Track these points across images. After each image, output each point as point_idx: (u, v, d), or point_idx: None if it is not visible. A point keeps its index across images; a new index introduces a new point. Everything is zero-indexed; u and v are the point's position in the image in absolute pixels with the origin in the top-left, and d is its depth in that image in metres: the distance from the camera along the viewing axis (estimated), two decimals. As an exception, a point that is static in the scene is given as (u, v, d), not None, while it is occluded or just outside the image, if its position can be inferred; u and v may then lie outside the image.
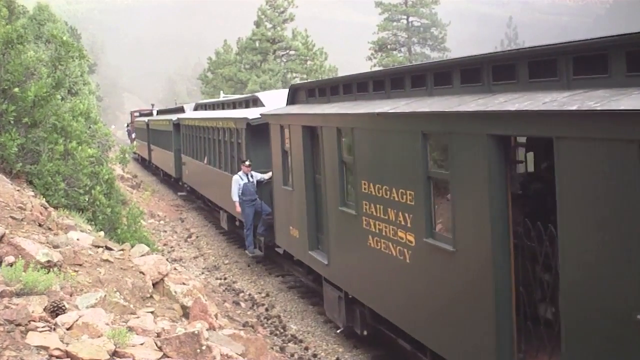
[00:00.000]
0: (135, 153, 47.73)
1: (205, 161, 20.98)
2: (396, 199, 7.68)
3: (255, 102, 17.33)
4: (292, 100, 12.66)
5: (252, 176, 15.06)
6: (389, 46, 55.62)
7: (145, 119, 42.32)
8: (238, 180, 15.07)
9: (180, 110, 30.72)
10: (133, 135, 51.25)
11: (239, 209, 15.16)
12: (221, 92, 33.69)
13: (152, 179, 38.70)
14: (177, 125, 27.83)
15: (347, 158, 9.37)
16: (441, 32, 55.43)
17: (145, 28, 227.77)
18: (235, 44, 54.68)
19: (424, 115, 6.95)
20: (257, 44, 52.01)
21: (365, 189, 8.57)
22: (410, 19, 55.53)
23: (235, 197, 15.12)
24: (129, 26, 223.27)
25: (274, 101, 15.38)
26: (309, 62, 50.52)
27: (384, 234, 8.12)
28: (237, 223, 17.34)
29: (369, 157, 8.54)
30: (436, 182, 7.09)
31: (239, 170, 15.63)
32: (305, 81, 13.77)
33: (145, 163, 44.86)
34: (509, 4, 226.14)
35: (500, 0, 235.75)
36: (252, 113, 15.26)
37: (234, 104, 20.10)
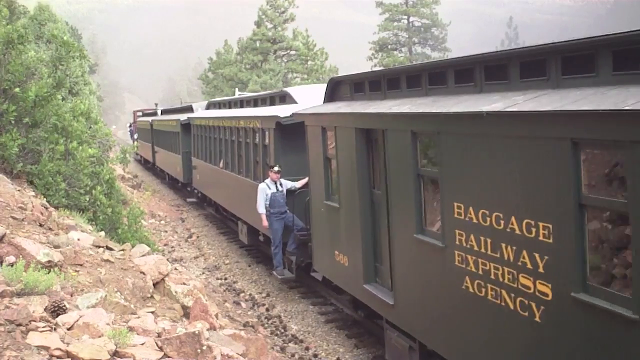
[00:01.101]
0: (137, 154, 46.81)
1: (221, 165, 18.88)
2: (517, 231, 5.63)
3: (284, 98, 15.02)
4: (331, 96, 10.73)
5: (281, 185, 12.89)
6: (389, 46, 55.65)
7: (149, 119, 40.25)
8: (265, 190, 12.92)
9: (189, 109, 28.43)
10: (135, 136, 49.72)
11: (265, 223, 12.99)
12: (236, 89, 31.10)
13: (157, 181, 36.86)
14: (186, 125, 25.55)
15: (428, 171, 7.26)
16: (442, 32, 55.45)
17: (145, 28, 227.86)
18: (235, 44, 54.72)
19: (578, 116, 4.76)
20: (257, 44, 52.05)
21: (459, 213, 6.46)
22: (411, 19, 55.56)
23: (261, 209, 12.96)
24: (129, 26, 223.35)
25: (309, 97, 13.19)
26: (309, 62, 50.56)
27: (492, 277, 6.05)
28: (262, 238, 15.16)
29: (467, 172, 6.36)
30: (596, 213, 4.97)
31: (265, 177, 13.55)
32: (351, 74, 10.63)
33: (147, 165, 43.29)
34: (509, 4, 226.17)
35: (501, 0, 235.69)
36: (283, 111, 13.05)
37: (255, 101, 17.87)
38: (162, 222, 23.30)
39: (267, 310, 12.78)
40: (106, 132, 14.19)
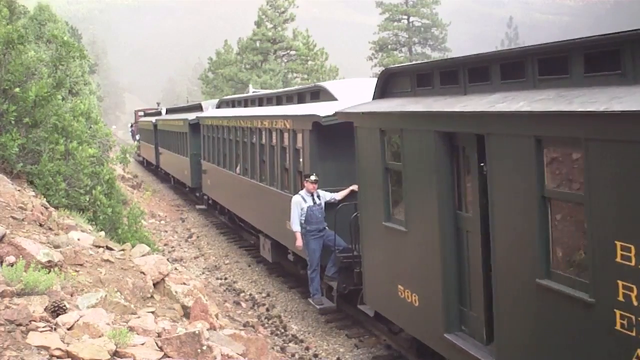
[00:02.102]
0: (139, 156, 45.87)
1: (238, 171, 16.96)
2: None
3: (317, 94, 12.80)
4: (384, 90, 8.78)
5: (318, 197, 11.06)
6: (389, 46, 55.68)
7: (152, 119, 37.92)
8: (300, 203, 11.05)
9: (197, 108, 26.25)
10: (137, 137, 47.95)
11: (300, 242, 11.12)
12: (250, 85, 28.84)
13: (162, 185, 34.80)
14: (194, 125, 23.41)
15: (565, 194, 5.33)
16: (442, 32, 55.48)
17: (146, 28, 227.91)
18: (236, 44, 54.74)
19: None
20: (257, 44, 52.07)
21: (625, 257, 4.56)
22: (411, 19, 55.59)
23: (295, 227, 11.09)
24: (129, 26, 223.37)
25: (351, 93, 11.19)
26: (309, 62, 50.59)
27: None
28: (291, 257, 12.87)
29: None
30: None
31: (296, 186, 11.97)
32: (414, 62, 9.63)
33: (150, 167, 41.83)
34: (509, 4, 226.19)
35: (501, 0, 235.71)
36: (322, 109, 11.13)
37: (278, 98, 15.46)
38: (162, 222, 23.30)
39: (267, 310, 12.78)
40: (106, 132, 14.19)
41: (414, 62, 8.76)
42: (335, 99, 11.56)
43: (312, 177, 11.01)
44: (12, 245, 5.96)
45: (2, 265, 5.60)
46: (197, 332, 5.11)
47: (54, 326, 4.65)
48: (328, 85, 12.66)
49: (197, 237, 20.71)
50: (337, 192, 11.14)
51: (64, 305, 5.03)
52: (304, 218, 11.03)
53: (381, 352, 10.09)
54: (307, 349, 10.55)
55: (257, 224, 15.31)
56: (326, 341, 10.94)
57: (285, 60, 52.81)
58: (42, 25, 22.62)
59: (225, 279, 15.45)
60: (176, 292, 7.07)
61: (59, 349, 4.33)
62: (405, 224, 7.83)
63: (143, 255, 7.61)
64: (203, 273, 15.85)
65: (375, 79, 9.28)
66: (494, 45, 63.89)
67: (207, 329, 5.86)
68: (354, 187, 10.33)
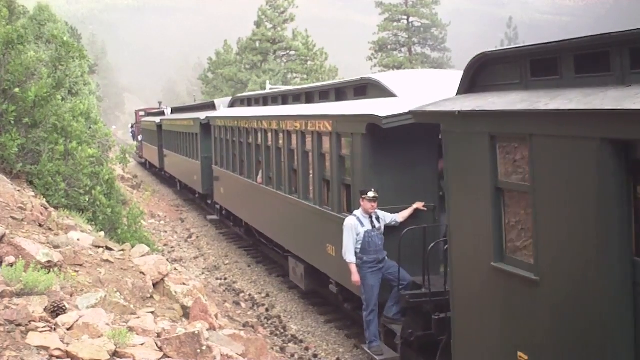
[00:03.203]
0: (141, 157, 44.74)
1: (260, 180, 14.71)
2: None
3: (364, 90, 10.46)
4: (474, 82, 6.63)
5: (378, 219, 8.91)
6: (389, 46, 55.68)
7: (156, 118, 35.32)
8: (356, 227, 8.84)
9: (209, 107, 23.57)
10: (140, 138, 44.99)
11: (357, 277, 8.83)
12: (267, 82, 26.18)
13: (168, 190, 32.78)
14: (207, 126, 20.72)
15: None
16: (441, 33, 55.48)
17: (145, 28, 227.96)
18: (235, 44, 54.77)
19: None
20: (257, 44, 52.09)
21: None
22: (411, 19, 55.58)
23: (351, 257, 8.85)
24: (129, 26, 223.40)
25: (414, 87, 9.39)
26: (309, 63, 50.60)
27: None
28: (334, 288, 10.63)
29: None
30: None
31: (344, 203, 10.05)
32: (522, 45, 5.95)
33: (153, 170, 40.27)
34: (509, 4, 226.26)
35: (500, 0, 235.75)
36: (377, 107, 8.94)
37: (308, 96, 13.09)
38: (162, 222, 23.31)
39: (267, 310, 12.78)
40: (106, 133, 14.18)
41: (524, 45, 5.96)
42: (393, 95, 9.34)
43: (371, 194, 8.75)
44: (12, 246, 5.96)
45: (1, 265, 5.60)
46: (196, 332, 5.12)
47: (53, 326, 4.65)
48: (382, 78, 10.17)
49: (197, 237, 20.71)
50: (395, 211, 9.06)
51: (64, 306, 5.03)
52: (359, 246, 8.80)
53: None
54: (307, 349, 10.56)
55: (286, 243, 13.09)
56: (326, 341, 10.94)
57: (285, 61, 52.82)
58: (41, 25, 22.61)
59: (225, 279, 15.45)
60: (176, 292, 7.07)
61: (59, 349, 4.33)
62: (535, 269, 5.46)
63: (143, 256, 7.61)
64: (203, 273, 15.85)
65: (438, 71, 8.84)
66: (493, 45, 63.92)
67: (207, 329, 5.86)
68: (418, 205, 8.95)
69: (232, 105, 19.78)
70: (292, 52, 52.24)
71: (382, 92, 9.75)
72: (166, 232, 21.46)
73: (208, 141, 20.73)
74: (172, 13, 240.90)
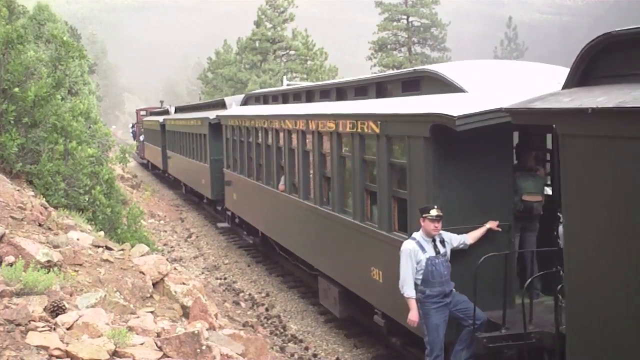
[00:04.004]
0: (143, 158, 43.99)
1: (282, 187, 13.11)
2: None
3: (416, 84, 8.74)
4: (587, 73, 5.50)
5: (443, 242, 7.33)
6: (389, 46, 55.62)
7: (159, 118, 34.08)
8: (415, 253, 7.26)
9: (218, 105, 21.74)
10: (141, 138, 43.73)
11: (416, 315, 7.25)
12: (284, 77, 23.88)
13: (172, 193, 32.02)
14: (216, 125, 19.37)
15: None
16: (441, 32, 55.45)
17: (145, 28, 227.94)
18: (235, 43, 54.76)
19: None
20: (257, 44, 52.07)
21: None
22: (411, 19, 55.52)
23: (410, 290, 7.25)
24: (129, 26, 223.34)
25: (487, 81, 7.88)
26: (309, 62, 50.58)
27: None
28: (380, 320, 8.87)
29: None
30: None
31: (396, 220, 8.44)
32: None
33: (155, 171, 39.48)
34: (508, 3, 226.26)
35: (500, 0, 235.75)
36: (446, 105, 7.29)
37: (340, 92, 11.29)
38: (162, 222, 23.31)
39: (267, 310, 12.78)
40: (106, 132, 14.18)
41: None
42: (461, 90, 7.69)
43: (434, 212, 7.13)
44: (12, 245, 5.95)
45: (1, 265, 5.60)
46: (196, 332, 5.11)
47: (53, 326, 4.65)
48: (443, 70, 8.31)
49: (197, 237, 20.71)
50: (468, 233, 7.49)
51: (63, 305, 5.03)
52: (420, 277, 7.20)
53: (380, 351, 10.09)
54: (307, 348, 10.56)
55: (316, 261, 11.48)
56: (325, 341, 10.94)
57: (285, 60, 52.79)
58: (41, 25, 22.62)
59: (225, 278, 15.45)
60: (175, 292, 7.07)
61: (59, 348, 4.33)
62: None
63: (142, 255, 7.61)
64: (202, 273, 15.85)
65: (498, 61, 7.70)
66: (493, 45, 63.92)
67: (207, 329, 5.86)
68: (492, 224, 7.43)
69: (245, 103, 18.01)
70: (292, 52, 52.22)
71: (445, 86, 7.93)
72: (166, 231, 21.46)
73: (218, 142, 19.39)
74: (172, 13, 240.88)
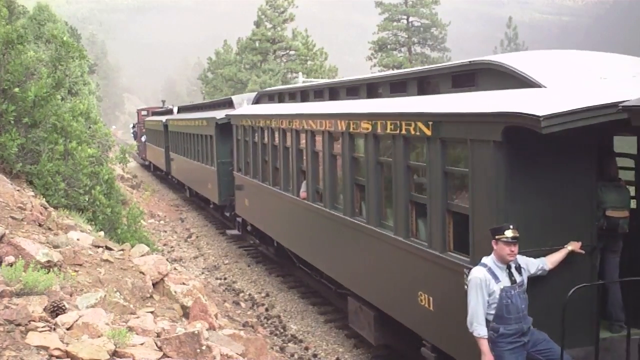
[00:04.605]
0: (145, 160, 43.07)
1: (304, 194, 11.77)
2: None
3: (471, 78, 7.44)
4: None
5: (519, 268, 6.06)
6: (389, 46, 55.64)
7: (162, 118, 32.68)
8: (487, 284, 5.96)
9: (225, 104, 20.74)
10: (143, 139, 42.34)
11: (490, 358, 5.94)
12: (300, 74, 22.55)
13: (173, 195, 30.91)
14: (224, 126, 18.29)
15: None
16: (441, 32, 55.46)
17: (145, 28, 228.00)
18: (235, 44, 54.79)
19: None
20: (257, 44, 52.10)
21: None
22: (410, 19, 55.54)
23: (480, 329, 5.95)
24: (129, 26, 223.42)
25: (566, 74, 6.58)
26: (309, 62, 50.59)
27: None
28: (429, 354, 7.62)
29: None
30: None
31: (450, 239, 7.14)
32: None
33: (157, 173, 38.29)
34: (509, 4, 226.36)
35: (500, 0, 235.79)
36: (523, 103, 5.98)
37: (371, 88, 9.96)
38: (162, 222, 23.31)
39: (267, 310, 12.78)
40: (105, 132, 14.20)
41: None
42: (537, 85, 6.31)
43: (510, 233, 5.86)
44: (12, 245, 5.96)
45: (1, 265, 5.60)
46: (196, 332, 5.11)
47: (53, 326, 4.65)
48: (509, 61, 6.83)
49: (197, 237, 20.71)
50: (535, 255, 6.22)
51: (63, 305, 5.03)
52: (493, 312, 5.92)
53: (380, 351, 10.09)
54: (307, 348, 10.56)
55: (345, 280, 10.18)
56: (325, 341, 10.94)
57: (285, 60, 52.82)
58: (41, 25, 22.63)
59: (225, 279, 15.45)
60: (175, 292, 7.07)
61: (58, 348, 4.33)
62: None
63: (142, 255, 7.61)
64: (202, 273, 15.85)
65: (577, 52, 6.87)
66: (493, 45, 63.89)
67: (207, 329, 5.86)
68: (574, 246, 6.24)
69: (257, 101, 16.50)
70: (292, 52, 52.25)
71: (513, 80, 6.58)
72: (166, 231, 21.46)
73: (226, 144, 18.35)
74: (172, 13, 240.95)
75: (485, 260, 6.03)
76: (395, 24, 55.53)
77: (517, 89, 6.47)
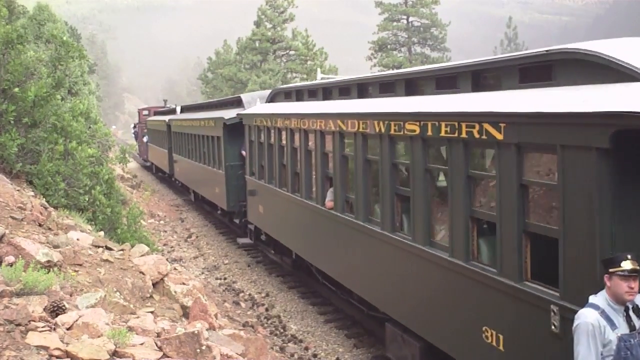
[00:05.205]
0: (146, 161, 42.37)
1: (330, 204, 10.58)
2: None
3: (547, 72, 6.00)
4: None
5: (637, 310, 4.66)
6: (389, 46, 55.65)
7: (165, 118, 31.57)
8: (601, 331, 4.54)
9: (232, 104, 19.54)
10: (145, 139, 41.40)
11: None
12: (318, 69, 20.99)
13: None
14: (233, 127, 17.24)
15: None
16: (441, 32, 55.47)
17: (145, 28, 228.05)
18: (235, 44, 54.82)
19: None
20: (257, 44, 52.13)
21: None
22: (410, 19, 55.55)
23: None
24: (129, 26, 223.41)
25: None
26: (309, 62, 50.61)
27: None
28: None
29: None
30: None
31: (526, 265, 5.92)
32: None
33: (159, 174, 37.46)
34: (508, 4, 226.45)
35: (500, 0, 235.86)
36: (634, 101, 4.63)
37: (409, 84, 8.60)
38: (162, 222, 23.31)
39: (267, 310, 12.78)
40: (105, 132, 14.20)
41: None
42: None
43: (628, 265, 4.61)
44: (12, 245, 5.96)
45: (1, 265, 5.60)
46: (196, 332, 5.11)
47: (53, 326, 4.65)
48: (606, 50, 5.37)
49: (197, 237, 20.71)
50: None
51: (63, 305, 5.03)
52: None
53: (381, 351, 10.09)
54: (307, 348, 10.56)
55: (384, 304, 8.94)
56: (325, 341, 10.94)
57: (285, 60, 52.83)
58: (41, 25, 22.63)
59: (225, 279, 15.45)
60: (175, 292, 7.07)
61: (58, 348, 4.33)
62: None
63: (142, 255, 7.61)
64: (202, 273, 15.85)
65: None
66: (493, 45, 63.92)
67: (207, 329, 5.86)
68: None
69: (271, 100, 15.23)
70: (292, 52, 52.27)
71: (609, 73, 5.25)
72: (166, 231, 21.47)
73: (234, 146, 17.44)
74: (172, 13, 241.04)
75: (595, 300, 4.70)
76: (395, 24, 55.53)
77: (616, 84, 5.14)
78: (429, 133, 7.27)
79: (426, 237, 7.53)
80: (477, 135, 6.41)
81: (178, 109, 30.55)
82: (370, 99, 9.76)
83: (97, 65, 73.92)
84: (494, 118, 6.11)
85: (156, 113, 40.51)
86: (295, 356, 10.15)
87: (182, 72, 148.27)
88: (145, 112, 45.34)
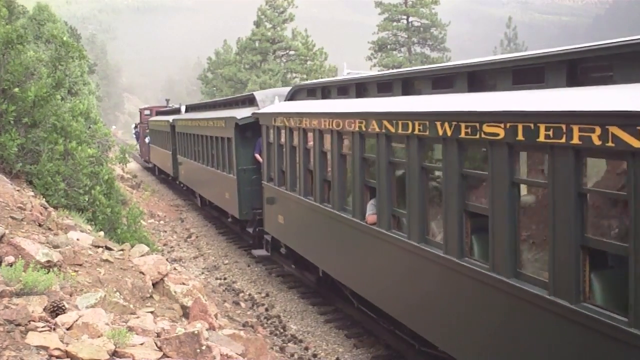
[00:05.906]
0: (148, 162, 41.13)
1: (372, 218, 8.98)
2: None
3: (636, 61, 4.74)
4: None
5: None
6: (388, 46, 55.65)
7: (169, 118, 30.04)
8: None
9: (244, 102, 18.01)
10: (147, 140, 39.53)
11: None
12: (345, 64, 20.94)
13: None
14: (245, 127, 15.90)
15: None
16: (441, 32, 55.47)
17: (145, 28, 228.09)
18: (235, 44, 54.86)
19: None
20: (257, 44, 52.19)
21: None
22: (410, 19, 55.55)
23: None
24: (129, 26, 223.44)
25: None
26: (308, 62, 50.66)
27: None
28: None
29: None
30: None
31: (636, 305, 4.51)
32: None
33: (162, 176, 36.15)
34: (508, 4, 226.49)
35: (500, 0, 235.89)
36: None
37: (472, 78, 7.11)
38: (162, 222, 23.32)
39: (267, 310, 12.79)
40: (105, 132, 14.19)
41: None
42: None
43: None
44: (11, 245, 5.95)
45: (1, 265, 5.60)
46: (196, 332, 5.11)
47: (53, 326, 4.65)
48: None
49: (197, 237, 20.71)
50: None
51: (63, 305, 5.03)
52: None
53: (380, 352, 10.09)
54: (307, 348, 10.56)
55: (446, 342, 7.27)
56: (325, 341, 10.94)
57: (285, 60, 52.87)
58: (41, 25, 22.65)
59: (225, 279, 15.45)
60: (175, 292, 7.07)
61: (58, 349, 4.33)
62: None
63: (142, 255, 7.61)
64: (202, 273, 15.85)
65: None
66: (493, 45, 63.93)
67: (207, 329, 5.86)
68: None
69: (292, 97, 13.60)
70: (292, 52, 52.32)
71: None
72: (166, 231, 21.47)
73: (247, 148, 15.92)
74: (172, 13, 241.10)
75: None
76: (395, 24, 55.52)
77: None
78: (520, 137, 5.69)
79: (512, 268, 5.97)
80: (579, 142, 5.07)
81: (183, 109, 28.94)
82: (419, 95, 8.18)
83: (97, 65, 73.94)
84: (614, 118, 4.63)
85: (158, 113, 38.87)
86: (295, 356, 10.15)
87: (182, 72, 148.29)
88: (147, 112, 43.72)
